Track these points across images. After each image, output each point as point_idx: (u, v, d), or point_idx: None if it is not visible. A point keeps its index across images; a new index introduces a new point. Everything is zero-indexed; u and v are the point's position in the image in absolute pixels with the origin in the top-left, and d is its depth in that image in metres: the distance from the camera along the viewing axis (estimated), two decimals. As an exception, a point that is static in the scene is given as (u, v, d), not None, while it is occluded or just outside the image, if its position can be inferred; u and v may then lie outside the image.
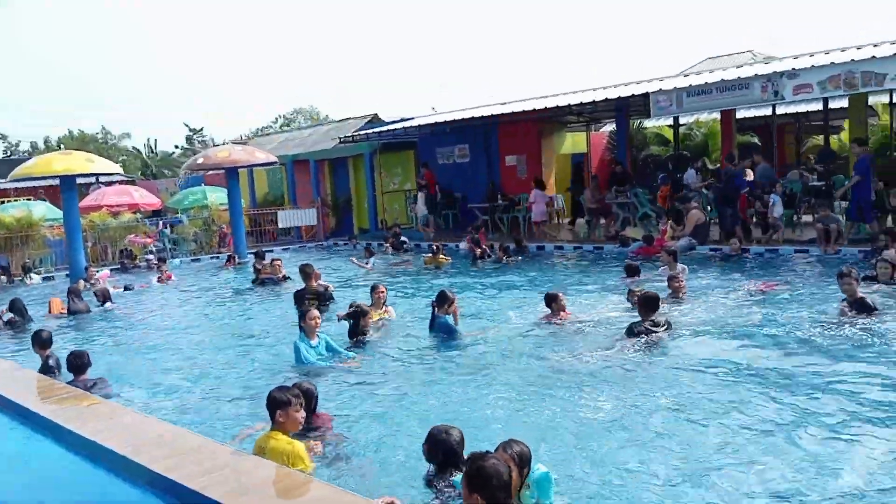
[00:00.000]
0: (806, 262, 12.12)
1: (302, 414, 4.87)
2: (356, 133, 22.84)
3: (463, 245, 16.48)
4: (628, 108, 19.32)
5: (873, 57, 12.26)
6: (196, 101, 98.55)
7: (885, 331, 7.21)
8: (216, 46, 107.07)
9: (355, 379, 7.07)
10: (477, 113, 19.74)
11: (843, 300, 7.89)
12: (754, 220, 14.77)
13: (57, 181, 15.56)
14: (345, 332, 8.43)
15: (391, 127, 22.51)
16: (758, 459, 4.68)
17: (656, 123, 24.30)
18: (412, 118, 24.20)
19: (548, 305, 8.81)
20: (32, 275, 16.86)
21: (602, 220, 17.46)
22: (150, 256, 18.81)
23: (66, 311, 12.10)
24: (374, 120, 27.72)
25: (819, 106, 20.06)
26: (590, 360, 7.07)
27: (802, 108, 21.22)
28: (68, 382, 7.00)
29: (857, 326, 7.40)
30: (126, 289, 14.33)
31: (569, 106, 17.76)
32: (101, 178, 26.48)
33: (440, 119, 20.84)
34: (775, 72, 13.57)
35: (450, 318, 8.33)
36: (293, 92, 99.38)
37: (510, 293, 11.42)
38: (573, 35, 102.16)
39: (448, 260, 15.24)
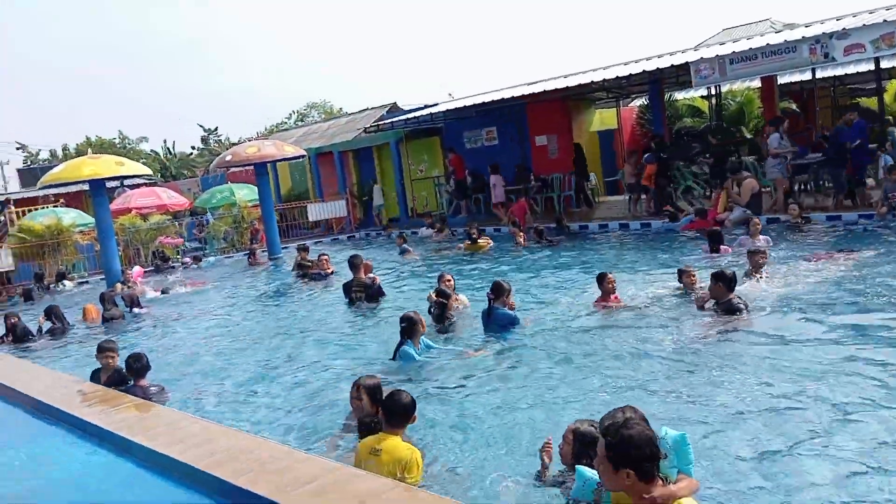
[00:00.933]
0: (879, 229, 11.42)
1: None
2: (381, 122, 22.41)
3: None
4: (662, 81, 18.74)
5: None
6: (208, 100, 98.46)
7: None
8: (224, 46, 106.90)
9: (446, 375, 6.58)
10: (504, 94, 19.24)
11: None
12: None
13: (77, 187, 15.34)
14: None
15: (417, 113, 22.08)
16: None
17: (687, 95, 23.70)
18: (436, 104, 23.75)
19: (599, 286, 8.30)
20: (66, 281, 16.66)
21: (643, 196, 16.92)
22: (187, 260, 18.59)
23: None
24: (394, 109, 27.31)
25: (852, 69, 19.45)
26: (699, 346, 6.48)
27: (837, 71, 20.55)
28: (125, 389, 6.68)
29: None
30: (164, 292, 14.05)
31: (602, 81, 17.25)
32: (126, 182, 26.35)
33: (467, 103, 20.36)
34: (824, 33, 12.97)
35: (507, 310, 7.84)
36: (304, 87, 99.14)
37: (558, 275, 10.96)
38: (580, 12, 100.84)
39: (488, 244, 14.80)
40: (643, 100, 23.47)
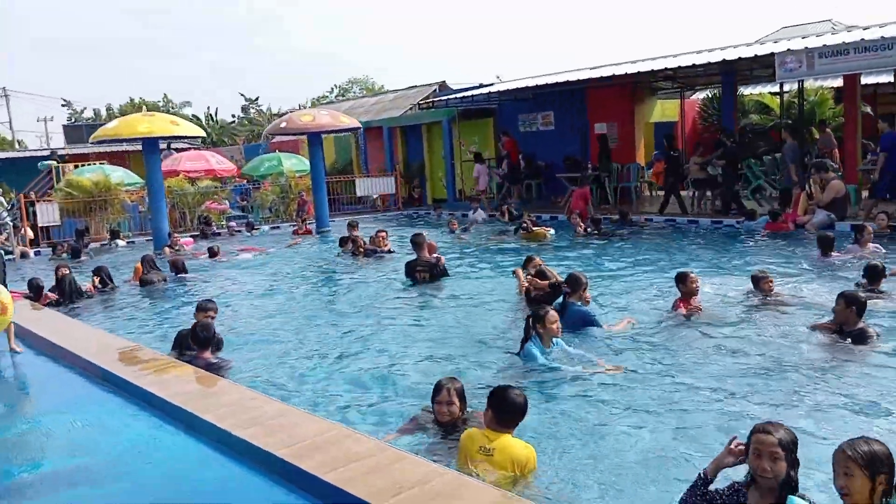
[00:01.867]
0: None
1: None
2: (437, 98, 21.82)
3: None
4: (736, 73, 17.90)
5: None
6: (251, 70, 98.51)
7: None
8: (269, 17, 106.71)
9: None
10: (565, 78, 18.54)
11: None
12: None
13: (121, 146, 15.00)
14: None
15: (473, 92, 21.42)
16: None
17: (753, 91, 22.79)
18: (491, 83, 23.09)
19: (679, 286, 7.40)
20: (118, 240, 16.42)
21: (708, 193, 16.17)
22: (233, 223, 18.27)
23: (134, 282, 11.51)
24: (443, 87, 26.66)
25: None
26: (836, 373, 5.60)
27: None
28: (187, 359, 6.27)
29: None
30: (212, 255, 13.63)
31: (673, 68, 16.47)
32: (172, 145, 26.13)
33: (525, 84, 19.67)
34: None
35: (584, 307, 7.10)
36: (346, 62, 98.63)
37: (623, 271, 10.31)
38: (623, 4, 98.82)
39: (547, 232, 14.20)
40: (707, 93, 22.61)
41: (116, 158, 28.03)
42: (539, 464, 4.03)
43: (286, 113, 46.68)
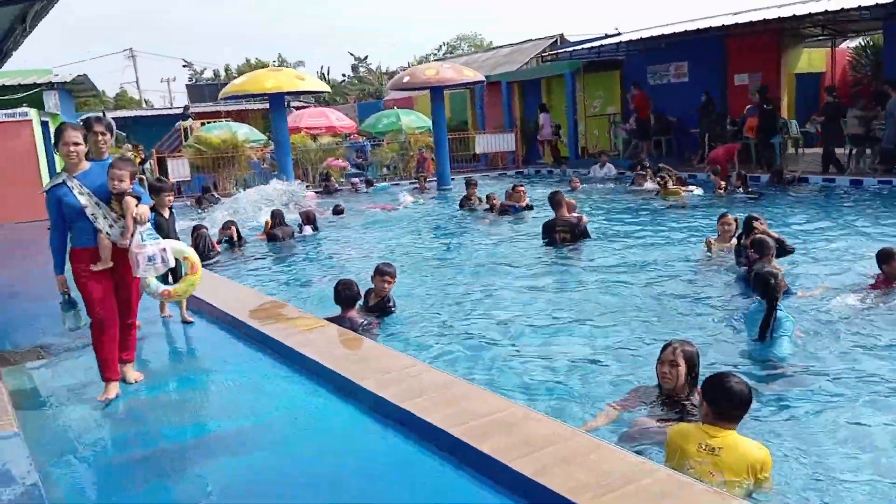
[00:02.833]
0: None
1: None
2: (560, 50, 20.83)
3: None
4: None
5: None
6: (359, 30, 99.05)
7: None
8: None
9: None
10: (702, 25, 17.11)
11: None
12: None
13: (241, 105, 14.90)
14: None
15: (599, 42, 20.27)
16: None
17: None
18: (618, 34, 21.81)
19: (882, 265, 6.27)
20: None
21: (868, 150, 14.61)
22: (356, 180, 18.17)
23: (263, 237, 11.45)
24: (561, 41, 25.49)
25: None
26: None
27: None
28: (331, 319, 5.96)
29: None
30: (336, 212, 13.50)
31: (825, 13, 14.82)
32: (294, 102, 26.37)
33: (660, 32, 18.37)
34: None
35: None
36: (453, 19, 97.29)
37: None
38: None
39: (683, 190, 13.22)
40: (859, 41, 20.50)
41: (239, 117, 28.66)
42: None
43: (395, 72, 46.89)
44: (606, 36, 21.63)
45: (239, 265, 9.93)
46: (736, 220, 7.93)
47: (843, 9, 14.54)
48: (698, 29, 16.89)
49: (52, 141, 19.82)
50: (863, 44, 20.34)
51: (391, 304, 6.50)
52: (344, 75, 60.79)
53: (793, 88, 19.98)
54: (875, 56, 18.86)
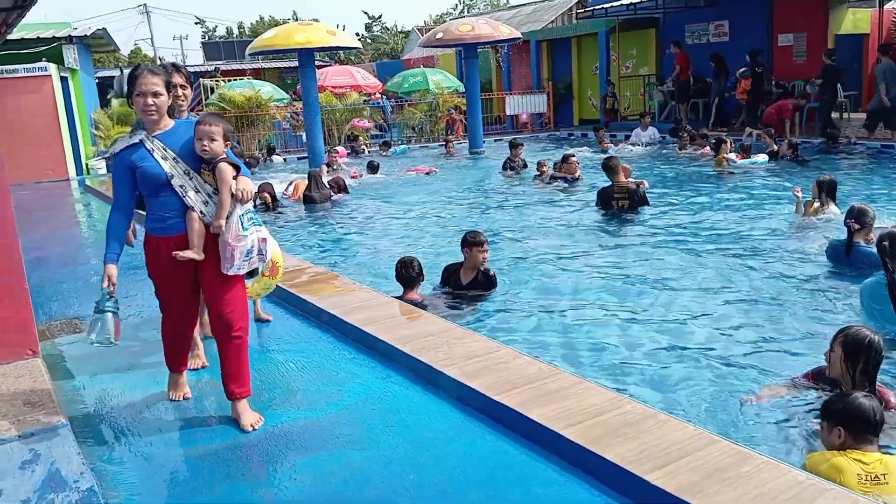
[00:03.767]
0: None
1: None
2: (595, 6, 19.95)
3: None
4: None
5: None
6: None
7: None
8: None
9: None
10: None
11: None
12: None
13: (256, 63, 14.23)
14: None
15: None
16: None
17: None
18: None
19: None
20: (275, 156, 16.10)
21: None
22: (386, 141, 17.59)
23: (297, 198, 10.92)
24: (588, -2, 24.58)
25: None
26: None
27: None
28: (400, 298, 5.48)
29: None
30: (371, 170, 12.88)
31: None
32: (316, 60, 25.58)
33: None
34: None
35: (868, 246, 5.82)
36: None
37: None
38: None
39: (727, 159, 12.52)
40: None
41: (254, 75, 27.95)
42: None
43: (410, 31, 45.73)
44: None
45: (275, 230, 9.44)
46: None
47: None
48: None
49: (122, 90, 19.35)
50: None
51: (493, 275, 5.79)
52: (357, 34, 59.72)
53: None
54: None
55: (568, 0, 27.93)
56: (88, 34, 16.91)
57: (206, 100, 19.75)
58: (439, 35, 15.99)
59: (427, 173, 13.06)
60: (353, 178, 12.54)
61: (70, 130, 15.71)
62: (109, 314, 3.48)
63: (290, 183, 11.52)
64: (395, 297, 5.45)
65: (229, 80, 22.93)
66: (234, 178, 3.44)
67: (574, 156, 11.25)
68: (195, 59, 52.04)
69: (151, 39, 51.94)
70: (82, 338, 5.21)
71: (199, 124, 3.43)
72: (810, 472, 2.87)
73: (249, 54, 15.27)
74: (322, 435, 3.59)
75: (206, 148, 3.40)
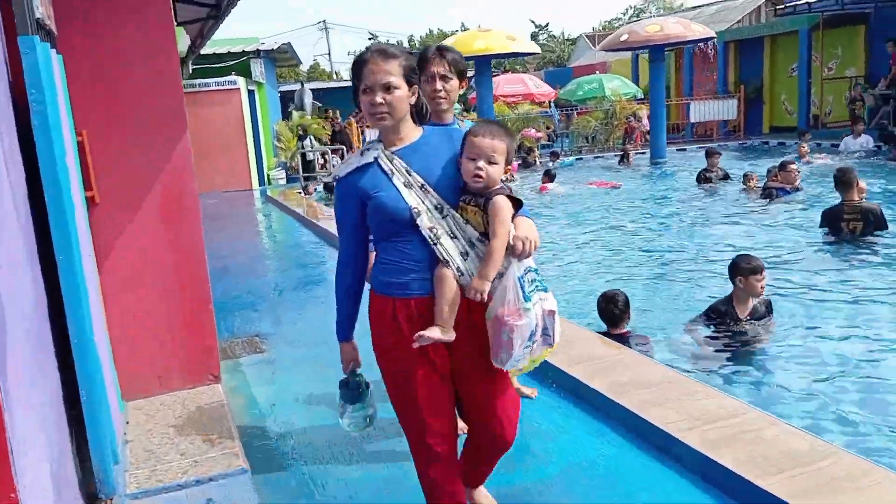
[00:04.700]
0: None
1: None
2: (795, 2, 18.09)
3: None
4: None
5: None
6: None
7: None
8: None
9: None
10: None
11: None
12: None
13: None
14: None
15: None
16: None
17: None
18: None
19: None
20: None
21: None
22: (557, 151, 16.88)
23: None
24: (777, -6, 22.42)
25: None
26: None
27: None
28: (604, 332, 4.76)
29: None
30: (549, 177, 12.22)
31: None
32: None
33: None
34: None
35: None
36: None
37: None
38: None
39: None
40: None
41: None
42: None
43: (577, 38, 44.63)
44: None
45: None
46: None
47: None
48: None
49: (302, 103, 19.61)
50: None
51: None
52: (529, 42, 59.41)
53: None
54: None
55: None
56: (274, 48, 17.58)
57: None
58: (624, 37, 15.02)
59: (613, 187, 12.12)
60: (541, 191, 11.96)
61: (254, 142, 16.34)
62: (370, 408, 2.63)
63: None
64: (599, 333, 4.73)
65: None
66: (512, 219, 2.31)
67: (794, 163, 9.87)
68: (368, 72, 53.77)
69: (329, 54, 54.49)
70: (263, 359, 4.96)
71: (471, 135, 2.29)
72: None
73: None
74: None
75: (481, 174, 2.25)
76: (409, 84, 2.26)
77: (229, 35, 21.23)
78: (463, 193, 2.32)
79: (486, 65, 13.81)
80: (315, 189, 14.41)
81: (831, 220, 7.44)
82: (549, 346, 2.35)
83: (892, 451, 3.48)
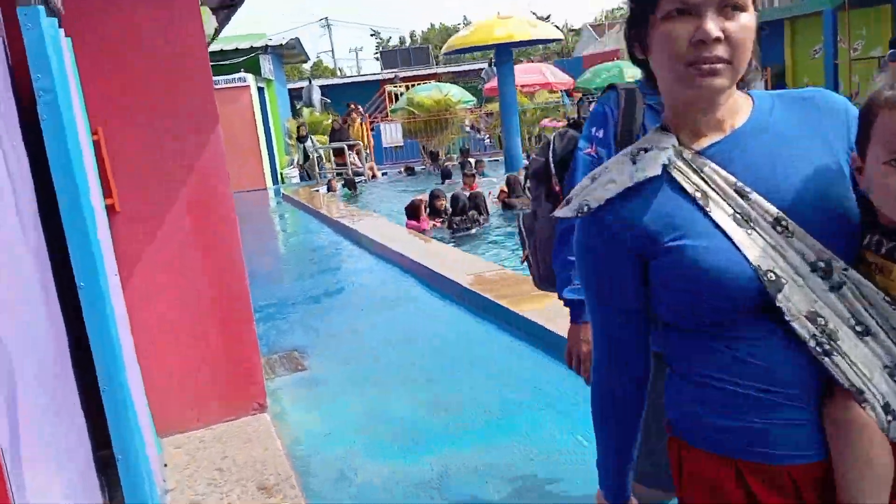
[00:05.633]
0: None
1: None
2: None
3: None
4: None
5: None
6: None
7: None
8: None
9: None
10: None
11: None
12: None
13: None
14: None
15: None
16: None
17: None
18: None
19: None
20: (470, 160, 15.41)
21: None
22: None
23: (499, 204, 10.10)
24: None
25: None
26: None
27: None
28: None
29: None
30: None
31: None
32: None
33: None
34: None
35: None
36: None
37: None
38: None
39: None
40: None
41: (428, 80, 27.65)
42: None
43: (581, 28, 43.81)
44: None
45: (480, 244, 8.49)
46: None
47: None
48: None
49: (310, 99, 19.21)
50: None
51: None
52: (527, 35, 58.81)
53: None
54: None
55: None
56: (283, 43, 17.02)
57: (389, 106, 19.41)
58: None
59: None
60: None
61: (266, 140, 15.80)
62: None
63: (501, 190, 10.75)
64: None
65: (409, 86, 22.63)
66: None
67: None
68: (368, 68, 53.37)
69: (332, 52, 53.96)
70: (305, 378, 4.44)
71: (886, 109, 1.00)
72: None
73: (444, 54, 14.53)
74: None
75: None
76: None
77: (234, 32, 20.67)
78: (868, 233, 1.08)
79: (508, 53, 13.20)
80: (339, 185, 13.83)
81: None
82: None
83: None
